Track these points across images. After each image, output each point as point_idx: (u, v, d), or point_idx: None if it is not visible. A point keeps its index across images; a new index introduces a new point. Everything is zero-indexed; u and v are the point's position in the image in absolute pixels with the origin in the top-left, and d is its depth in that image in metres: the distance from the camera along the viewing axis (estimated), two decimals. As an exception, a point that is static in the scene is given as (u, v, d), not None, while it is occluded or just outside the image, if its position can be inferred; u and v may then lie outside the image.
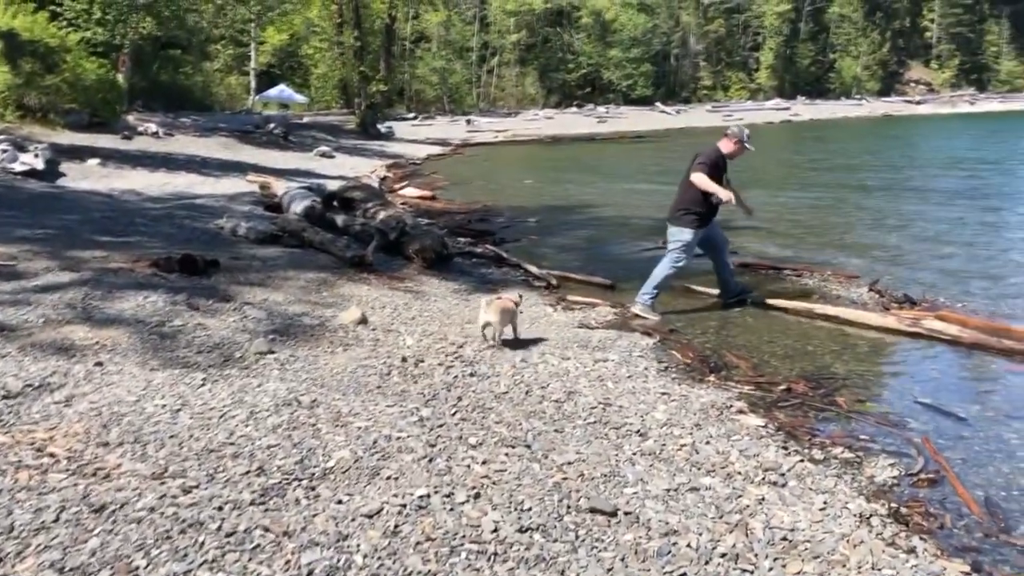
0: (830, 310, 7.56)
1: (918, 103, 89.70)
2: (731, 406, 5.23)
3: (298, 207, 11.21)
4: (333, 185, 15.40)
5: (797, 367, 6.27)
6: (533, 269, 9.62)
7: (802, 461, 4.36)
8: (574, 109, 69.31)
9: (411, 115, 56.16)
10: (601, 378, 5.51)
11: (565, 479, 3.85)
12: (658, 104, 72.97)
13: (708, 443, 4.52)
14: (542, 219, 14.56)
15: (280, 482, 3.59)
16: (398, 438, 4.12)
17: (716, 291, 8.42)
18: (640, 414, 4.88)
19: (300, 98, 54.33)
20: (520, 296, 6.92)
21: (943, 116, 73.66)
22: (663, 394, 5.32)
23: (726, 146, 7.84)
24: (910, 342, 6.84)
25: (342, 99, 50.69)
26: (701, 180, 7.57)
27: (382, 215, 11.08)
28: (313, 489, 3.56)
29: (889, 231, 12.82)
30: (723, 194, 7.53)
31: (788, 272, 9.47)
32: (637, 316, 7.64)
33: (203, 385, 4.74)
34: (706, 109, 73.05)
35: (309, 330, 6.04)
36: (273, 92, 53.17)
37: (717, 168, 7.70)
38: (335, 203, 13.89)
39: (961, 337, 6.61)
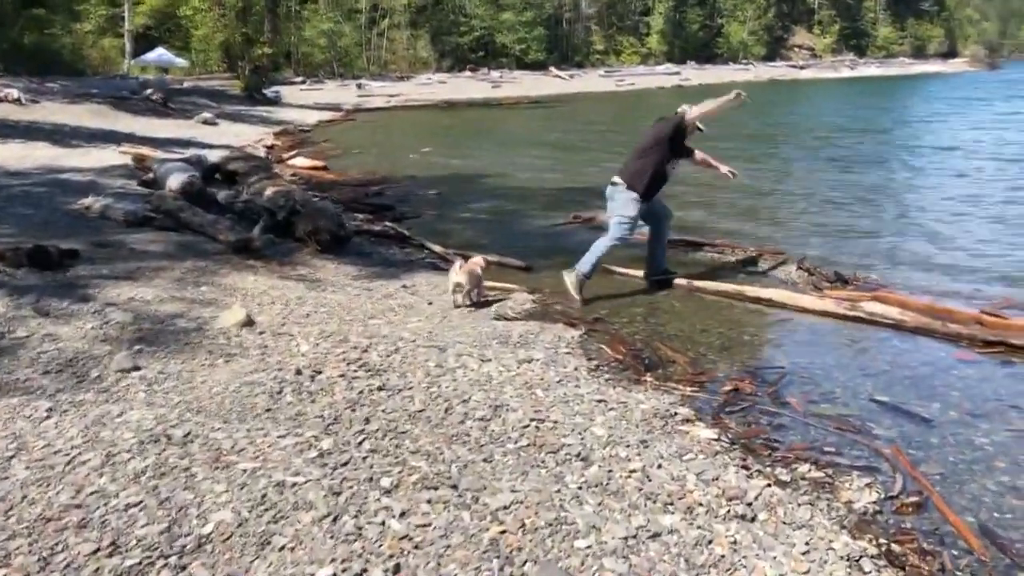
0: (762, 293, 7.04)
1: (802, 68, 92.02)
2: (675, 414, 4.62)
3: (175, 182, 10.10)
4: (215, 155, 14.24)
5: (737, 360, 5.71)
6: (438, 249, 8.85)
7: (768, 485, 3.77)
8: (468, 73, 68.12)
9: (299, 79, 54.19)
10: (528, 385, 4.81)
11: (504, 532, 3.14)
12: (552, 69, 72.45)
13: (660, 466, 3.87)
14: (443, 191, 13.74)
15: (140, 562, 2.77)
16: (294, 486, 3.33)
17: (638, 272, 7.83)
18: (578, 431, 4.20)
19: (180, 62, 51.53)
20: (487, 262, 7.05)
21: (826, 81, 75.62)
22: (599, 401, 4.66)
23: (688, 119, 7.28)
24: (851, 327, 6.36)
25: (225, 62, 48.22)
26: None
27: (269, 190, 10.09)
28: (184, 569, 2.76)
29: (800, 201, 12.49)
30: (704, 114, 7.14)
31: (708, 249, 8.95)
32: (567, 290, 7.12)
33: (48, 418, 3.84)
34: (599, 74, 73.12)
35: (184, 336, 5.15)
36: (151, 55, 50.26)
37: (679, 135, 7.21)
38: (217, 176, 12.83)
39: (904, 321, 6.17)
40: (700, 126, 7.27)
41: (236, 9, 42.61)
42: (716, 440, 4.31)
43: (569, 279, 7.12)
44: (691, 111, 7.17)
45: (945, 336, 5.95)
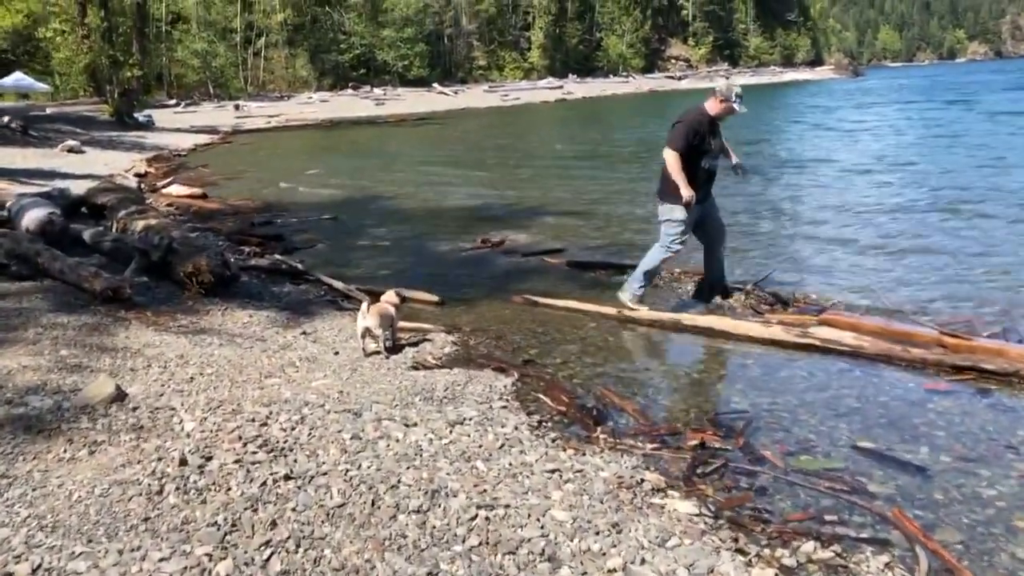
0: (701, 321, 6.45)
1: (679, 79, 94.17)
2: (642, 481, 3.93)
3: (31, 221, 8.92)
4: (82, 187, 12.95)
5: (691, 405, 5.09)
6: (339, 286, 7.97)
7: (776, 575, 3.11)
8: (350, 91, 66.95)
9: (172, 102, 52.02)
10: (466, 455, 4.04)
11: None
12: (436, 85, 71.98)
13: (643, 561, 3.17)
14: (337, 217, 12.81)
15: None
16: (183, 643, 2.48)
17: (562, 302, 7.16)
18: (535, 517, 3.46)
19: (42, 87, 48.69)
20: (401, 297, 6.16)
21: (704, 91, 76.87)
22: (552, 471, 3.93)
23: (713, 107, 6.86)
24: (802, 356, 5.81)
25: (91, 86, 45.63)
26: (670, 163, 6.67)
27: (141, 225, 9.03)
28: None
29: None
30: (685, 192, 6.62)
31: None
32: (625, 306, 6.94)
33: None
34: (483, 89, 73.04)
35: (36, 421, 4.15)
36: (8, 80, 47.37)
37: (697, 136, 6.76)
38: (84, 210, 11.64)
39: (862, 347, 5.65)
40: (737, 107, 6.82)
41: (101, 30, 40.28)
42: (697, 515, 3.63)
43: (624, 297, 7.05)
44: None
45: (910, 363, 5.45)
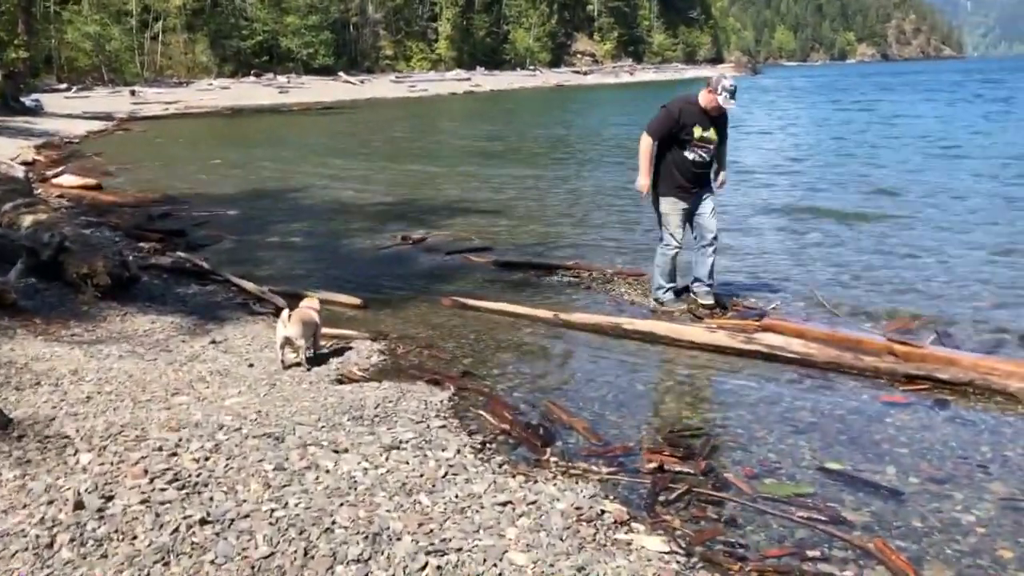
0: (642, 326, 6.13)
1: (585, 74, 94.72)
2: (603, 512, 3.57)
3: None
4: (-41, 177, 11.91)
5: (642, 421, 4.75)
6: (250, 287, 7.39)
7: (765, 626, 2.79)
8: (252, 79, 64.97)
9: (63, 86, 49.49)
10: (407, 487, 3.60)
11: None
12: (341, 74, 70.49)
13: (617, 613, 2.81)
14: (243, 211, 12.13)
15: None
16: None
17: (496, 305, 6.77)
18: (491, 561, 3.05)
19: (-84, 66, 45.54)
20: (319, 303, 5.69)
21: (609, 86, 78.00)
22: (504, 504, 3.53)
23: (703, 98, 6.53)
24: (748, 364, 5.55)
25: (-29, 67, 43.02)
26: (640, 146, 6.52)
27: (29, 220, 8.24)
28: None
29: (622, 214, 11.62)
30: (641, 179, 6.52)
31: (563, 272, 7.98)
32: (664, 308, 6.75)
33: None
34: (390, 80, 71.88)
35: (-102, 457, 3.55)
36: None
37: (677, 125, 6.46)
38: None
39: (811, 355, 5.42)
40: (722, 102, 6.36)
41: (-18, 8, 37.94)
42: (668, 553, 3.28)
43: (661, 308, 6.75)
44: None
45: (860, 372, 5.24)
